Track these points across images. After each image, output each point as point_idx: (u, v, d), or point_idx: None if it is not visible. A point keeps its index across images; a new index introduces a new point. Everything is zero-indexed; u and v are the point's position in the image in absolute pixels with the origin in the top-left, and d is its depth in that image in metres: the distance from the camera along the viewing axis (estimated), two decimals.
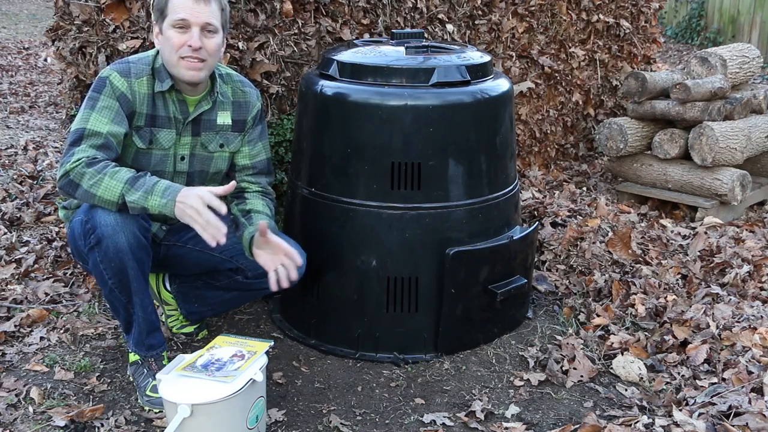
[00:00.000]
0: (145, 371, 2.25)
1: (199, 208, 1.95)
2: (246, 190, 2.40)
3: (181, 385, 1.94)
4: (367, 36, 3.19)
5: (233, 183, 2.09)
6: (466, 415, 2.19)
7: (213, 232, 1.96)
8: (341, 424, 2.15)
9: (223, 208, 1.98)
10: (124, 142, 2.16)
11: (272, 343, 2.12)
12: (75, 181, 2.01)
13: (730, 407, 2.08)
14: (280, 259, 2.19)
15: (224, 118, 2.31)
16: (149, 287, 2.24)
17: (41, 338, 2.56)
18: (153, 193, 2.00)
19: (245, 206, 2.34)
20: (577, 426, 2.12)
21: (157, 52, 2.21)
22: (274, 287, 2.19)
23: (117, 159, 2.12)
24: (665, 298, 2.80)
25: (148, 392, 2.21)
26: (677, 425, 2.04)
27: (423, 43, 2.59)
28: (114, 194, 2.00)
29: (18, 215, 3.55)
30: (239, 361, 2.01)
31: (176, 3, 2.10)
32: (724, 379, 2.28)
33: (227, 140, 2.33)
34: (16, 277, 2.96)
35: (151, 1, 2.64)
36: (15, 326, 2.59)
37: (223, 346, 2.09)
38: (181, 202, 1.98)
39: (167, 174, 2.27)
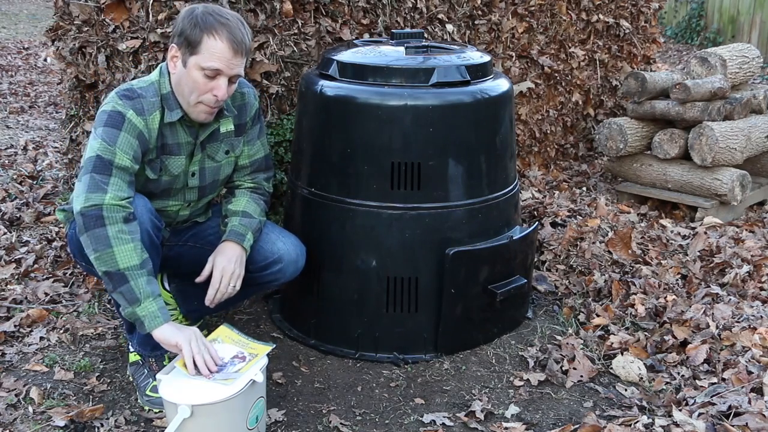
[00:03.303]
0: (146, 371, 2.25)
1: (204, 345, 1.99)
2: (238, 187, 2.40)
3: (181, 385, 1.94)
4: (367, 36, 3.19)
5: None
6: (466, 415, 2.20)
7: (201, 367, 1.96)
8: (341, 424, 2.15)
9: (217, 359, 2.00)
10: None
11: (274, 346, 2.12)
12: (104, 222, 1.94)
13: (730, 407, 2.08)
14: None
15: (227, 126, 2.28)
16: None
17: (41, 338, 2.56)
18: (155, 301, 1.97)
19: (229, 205, 2.35)
20: (577, 426, 2.12)
21: (161, 74, 2.13)
22: (207, 302, 2.21)
23: None
24: (665, 298, 2.80)
25: (148, 392, 2.21)
26: (677, 425, 2.04)
27: (423, 43, 2.59)
28: (125, 263, 1.94)
29: (18, 215, 3.55)
30: (240, 363, 2.01)
31: (213, 49, 2.00)
32: (724, 379, 2.28)
33: (232, 146, 2.32)
34: (16, 277, 2.96)
35: (151, 1, 2.64)
36: (15, 326, 2.60)
37: (226, 342, 2.08)
38: (172, 333, 1.97)
39: (174, 191, 2.26)
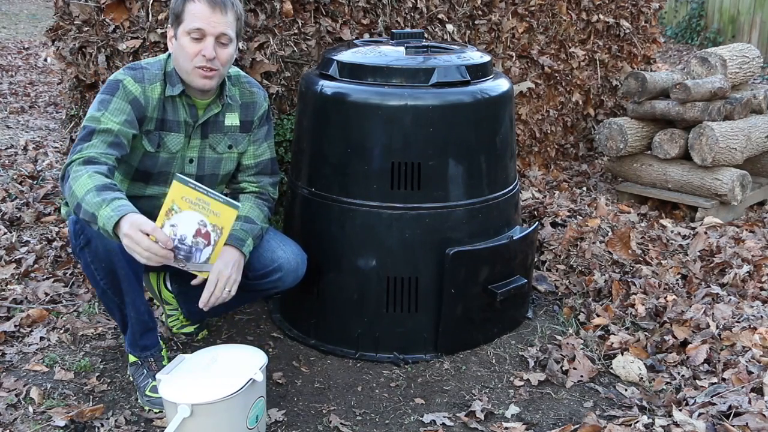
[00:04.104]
0: (145, 371, 2.25)
1: (135, 236, 1.82)
2: (243, 191, 2.40)
3: (181, 384, 1.94)
4: (367, 36, 3.19)
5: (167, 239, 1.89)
6: (466, 415, 2.20)
7: (157, 260, 1.86)
8: (341, 424, 2.15)
9: (158, 232, 1.85)
10: (132, 145, 2.15)
11: (239, 207, 1.96)
12: (68, 173, 1.98)
13: (730, 407, 2.08)
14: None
15: (232, 120, 2.30)
16: (142, 287, 2.24)
17: (41, 338, 2.56)
18: (108, 205, 1.87)
19: None
20: (577, 426, 2.12)
21: (169, 55, 2.20)
22: (201, 304, 2.14)
23: (120, 161, 2.11)
24: (665, 298, 2.80)
25: (147, 392, 2.21)
26: (677, 425, 2.04)
27: (423, 43, 2.59)
28: (81, 191, 1.91)
29: (18, 215, 3.55)
30: (205, 248, 1.94)
31: (193, 11, 2.07)
32: (724, 379, 2.28)
33: (236, 141, 2.33)
34: (16, 277, 2.96)
35: (151, 1, 2.65)
36: (15, 326, 2.60)
37: (183, 209, 1.90)
38: (124, 224, 1.83)
39: (171, 176, 2.26)
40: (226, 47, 2.13)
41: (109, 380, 2.35)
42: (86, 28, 2.72)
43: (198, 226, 1.94)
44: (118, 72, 2.18)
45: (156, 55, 2.67)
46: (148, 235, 1.84)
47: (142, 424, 2.15)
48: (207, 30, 2.08)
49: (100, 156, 2.01)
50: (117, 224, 1.85)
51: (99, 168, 1.98)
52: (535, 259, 3.01)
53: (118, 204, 1.88)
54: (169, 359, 2.31)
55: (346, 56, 2.48)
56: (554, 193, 3.95)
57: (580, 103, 4.51)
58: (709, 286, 2.90)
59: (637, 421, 2.09)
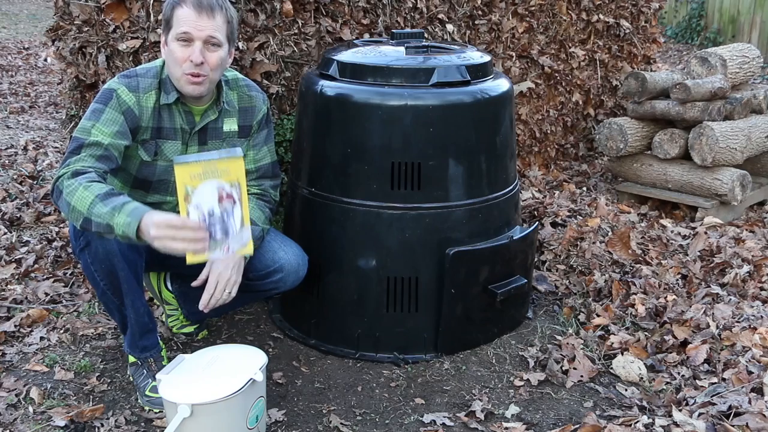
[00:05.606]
0: (145, 372, 2.25)
1: (167, 233, 1.81)
2: None
3: (181, 384, 1.94)
4: (367, 36, 3.19)
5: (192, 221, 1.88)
6: (466, 415, 2.20)
7: (195, 246, 1.84)
8: (341, 424, 2.15)
9: (188, 222, 1.85)
10: (128, 154, 2.14)
11: (242, 154, 1.93)
12: (59, 188, 1.96)
13: (730, 407, 2.08)
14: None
15: (230, 125, 2.29)
16: (142, 289, 2.24)
17: (41, 338, 2.56)
18: (121, 211, 1.86)
19: None
20: (577, 426, 2.12)
21: (164, 60, 2.19)
22: (201, 306, 2.15)
23: (119, 169, 2.11)
24: (665, 298, 2.80)
25: (147, 392, 2.21)
26: (677, 425, 2.04)
27: (423, 43, 2.59)
28: (84, 206, 1.90)
29: (18, 215, 3.55)
30: (234, 208, 1.90)
31: (180, 16, 2.06)
32: (724, 379, 2.28)
33: (234, 147, 2.32)
34: (16, 277, 2.96)
35: (151, 1, 2.65)
36: (15, 326, 2.60)
37: (196, 185, 1.86)
38: (150, 227, 1.82)
39: (172, 184, 2.26)
40: (216, 51, 2.10)
41: (109, 380, 2.35)
42: (86, 28, 2.72)
43: (219, 192, 1.90)
44: (112, 80, 2.15)
45: (156, 56, 2.68)
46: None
47: (142, 424, 2.15)
48: (194, 34, 2.06)
49: (88, 168, 1.99)
50: (138, 228, 1.84)
51: (89, 176, 1.96)
52: (535, 259, 3.01)
53: (130, 208, 1.87)
54: (169, 359, 2.31)
55: (347, 56, 2.48)
56: (554, 193, 3.95)
57: (580, 103, 4.51)
58: (709, 286, 2.90)
59: (637, 421, 2.09)
